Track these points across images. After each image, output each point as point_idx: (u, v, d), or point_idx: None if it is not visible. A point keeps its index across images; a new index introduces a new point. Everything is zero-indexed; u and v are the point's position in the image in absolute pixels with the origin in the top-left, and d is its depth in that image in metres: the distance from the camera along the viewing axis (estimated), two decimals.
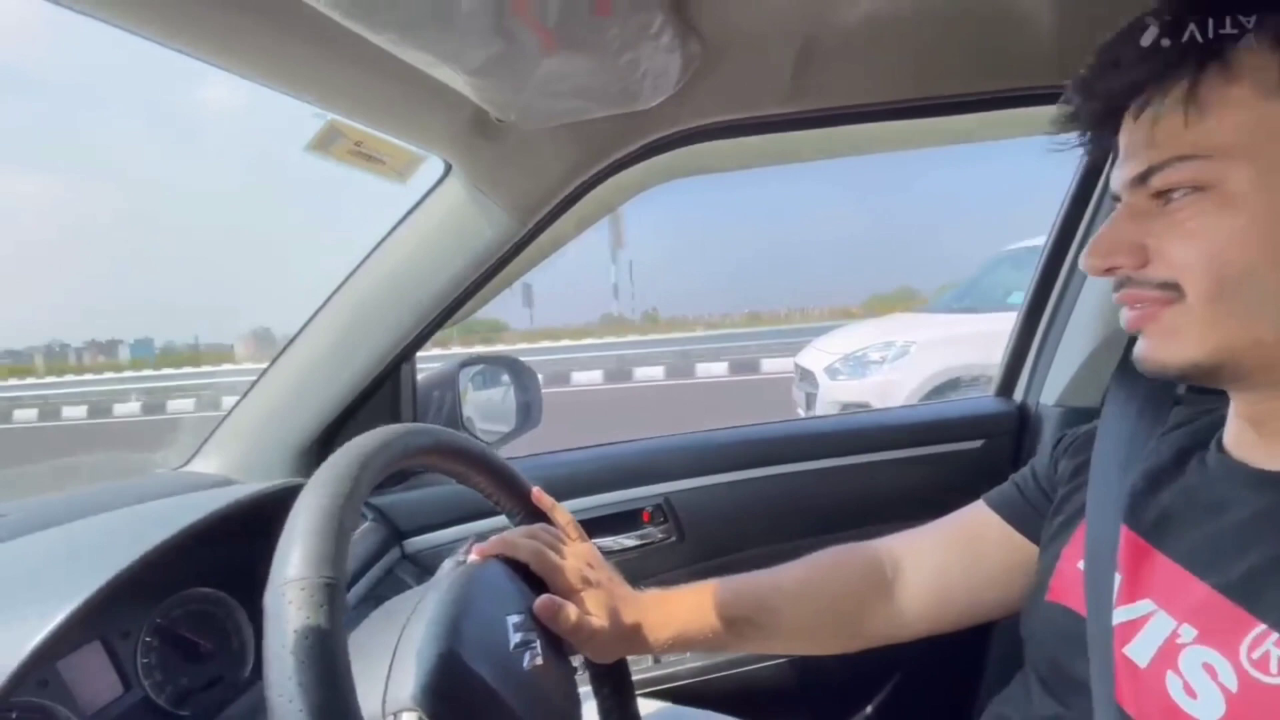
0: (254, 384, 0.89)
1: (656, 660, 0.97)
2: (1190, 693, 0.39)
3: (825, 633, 0.64)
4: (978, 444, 0.98)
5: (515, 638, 0.48)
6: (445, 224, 0.78)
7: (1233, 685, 0.37)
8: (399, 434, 0.47)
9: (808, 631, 0.64)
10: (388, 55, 0.50)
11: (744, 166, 0.84)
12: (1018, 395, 1.03)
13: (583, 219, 0.85)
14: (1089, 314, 0.93)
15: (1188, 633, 0.41)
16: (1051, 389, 0.96)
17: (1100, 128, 0.46)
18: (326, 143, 0.59)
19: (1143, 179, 0.42)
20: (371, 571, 0.88)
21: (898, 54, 0.71)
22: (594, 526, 0.97)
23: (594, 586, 0.57)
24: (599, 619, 0.55)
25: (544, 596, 0.53)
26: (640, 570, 0.98)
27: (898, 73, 0.73)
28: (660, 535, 0.99)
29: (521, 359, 1.16)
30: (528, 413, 1.12)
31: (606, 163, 0.74)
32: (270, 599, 0.35)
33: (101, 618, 0.57)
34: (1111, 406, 0.55)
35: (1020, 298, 1.03)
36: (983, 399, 1.05)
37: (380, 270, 0.81)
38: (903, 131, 0.83)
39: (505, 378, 1.14)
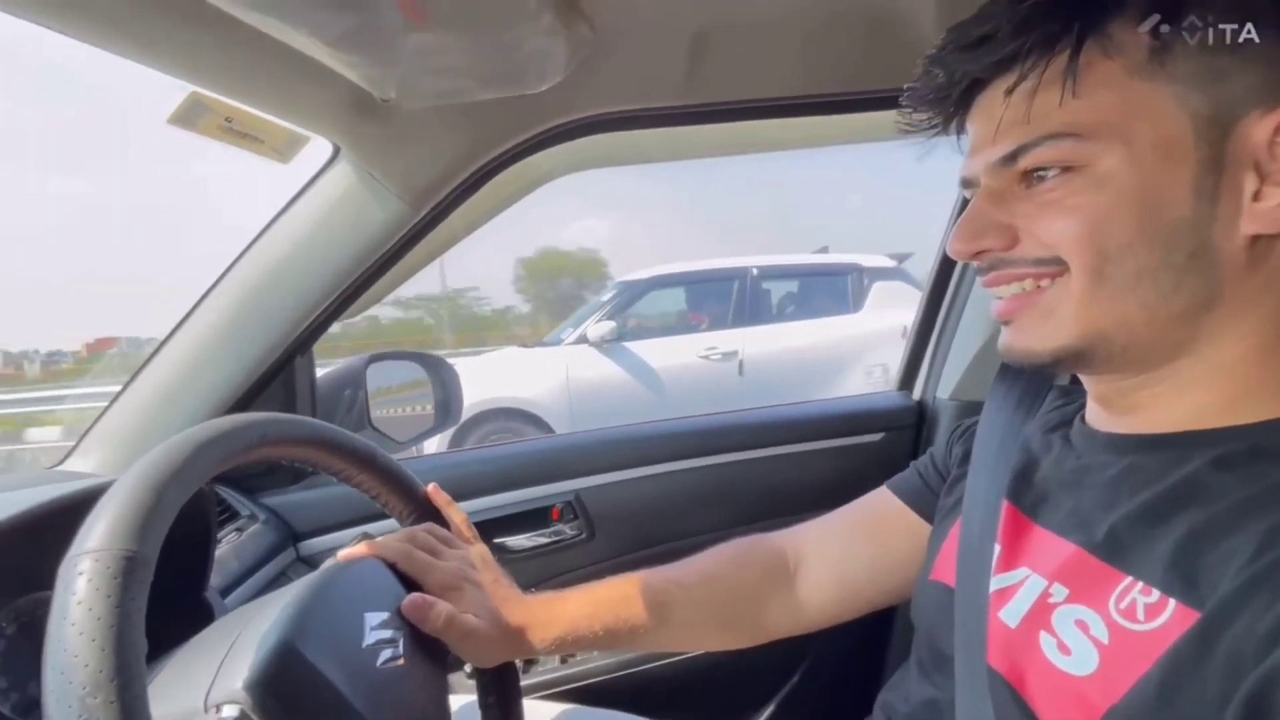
0: (133, 377, 0.84)
1: (563, 660, 0.96)
2: (1064, 650, 0.40)
3: (725, 628, 0.64)
4: (878, 437, 1.01)
5: (373, 636, 0.46)
6: (336, 209, 0.75)
7: (1104, 638, 0.39)
8: (260, 421, 0.45)
9: (706, 628, 0.64)
10: (257, 30, 0.49)
11: (645, 160, 0.85)
12: (917, 390, 1.06)
13: (484, 211, 0.84)
14: (980, 311, 0.97)
15: (1059, 592, 0.42)
16: (947, 383, 1.00)
17: (959, 107, 0.45)
18: (190, 117, 0.56)
19: (1011, 159, 0.42)
20: (261, 573, 0.84)
21: (791, 50, 0.72)
22: (501, 525, 0.95)
23: (474, 587, 0.56)
24: (476, 619, 0.53)
25: (413, 595, 0.51)
26: (550, 569, 0.97)
27: (792, 69, 0.74)
28: (570, 533, 0.97)
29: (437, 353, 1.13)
30: (446, 410, 1.09)
31: (502, 149, 0.73)
32: (63, 569, 0.32)
33: None
34: (993, 399, 0.57)
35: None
36: (885, 394, 1.09)
37: (267, 257, 0.78)
38: (803, 129, 0.85)
39: (420, 373, 1.11)
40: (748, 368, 4.17)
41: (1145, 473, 0.42)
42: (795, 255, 4.98)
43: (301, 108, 0.63)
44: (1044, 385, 0.57)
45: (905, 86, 0.47)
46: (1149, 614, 0.37)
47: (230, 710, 0.37)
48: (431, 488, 0.60)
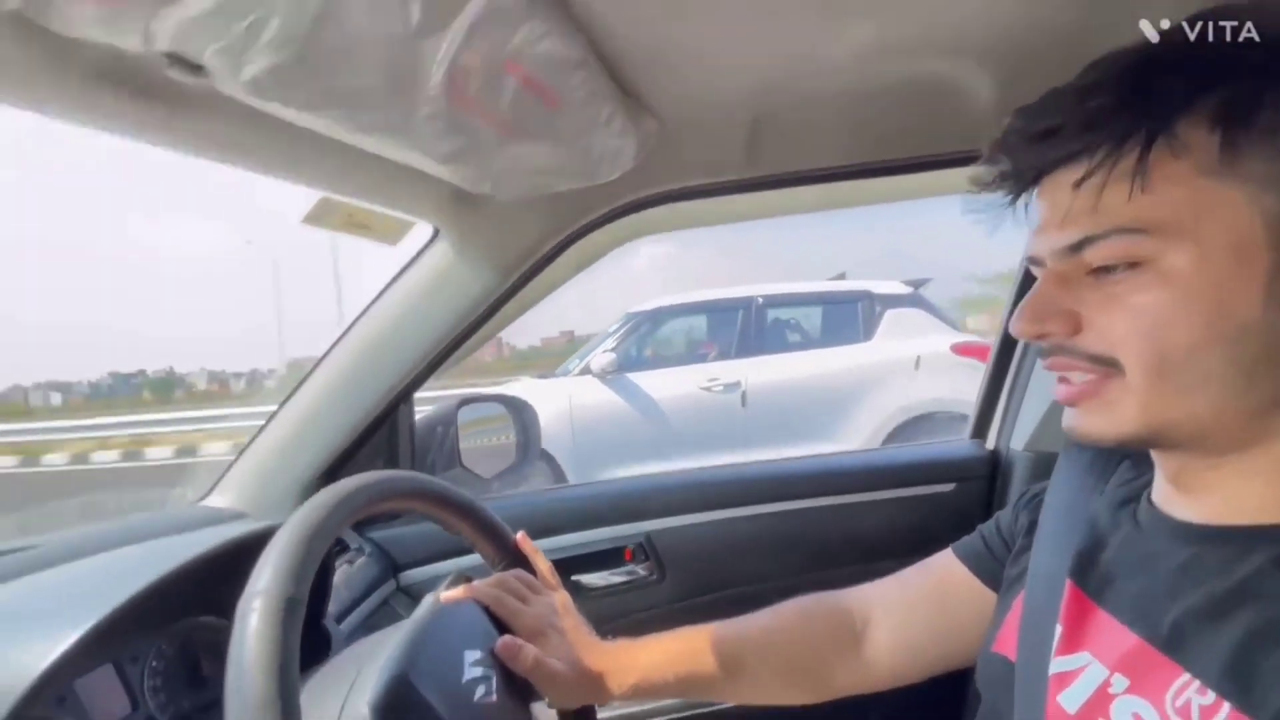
0: (266, 423, 0.97)
1: None
2: None
3: (792, 685, 0.65)
4: (950, 487, 1.00)
5: (470, 672, 0.52)
6: (435, 281, 0.85)
7: None
8: (381, 478, 0.53)
9: (775, 683, 0.65)
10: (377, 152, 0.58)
11: (708, 223, 0.90)
12: (990, 439, 1.05)
13: (562, 275, 0.92)
14: None
15: (1120, 683, 0.42)
16: (1021, 433, 0.98)
17: (1025, 190, 0.45)
18: (321, 217, 0.67)
19: (1077, 248, 0.41)
20: (367, 602, 0.94)
21: (847, 121, 0.76)
22: (576, 564, 1.01)
23: (558, 632, 0.60)
24: (559, 663, 0.57)
25: (505, 637, 0.56)
26: (621, 608, 1.01)
27: (849, 138, 0.78)
28: (642, 573, 1.02)
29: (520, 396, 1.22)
30: (526, 449, 1.18)
31: (577, 226, 0.81)
32: (240, 606, 0.41)
33: (113, 642, 0.62)
34: (1062, 467, 0.57)
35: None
36: (957, 443, 1.07)
37: (378, 321, 0.89)
38: (862, 189, 0.89)
39: (504, 415, 1.21)
40: (751, 399, 4.06)
41: (1209, 565, 0.42)
42: (804, 283, 4.79)
43: (409, 203, 0.73)
44: (1116, 455, 0.55)
45: (969, 177, 0.47)
46: (1203, 716, 0.37)
47: None
48: (520, 536, 0.66)
